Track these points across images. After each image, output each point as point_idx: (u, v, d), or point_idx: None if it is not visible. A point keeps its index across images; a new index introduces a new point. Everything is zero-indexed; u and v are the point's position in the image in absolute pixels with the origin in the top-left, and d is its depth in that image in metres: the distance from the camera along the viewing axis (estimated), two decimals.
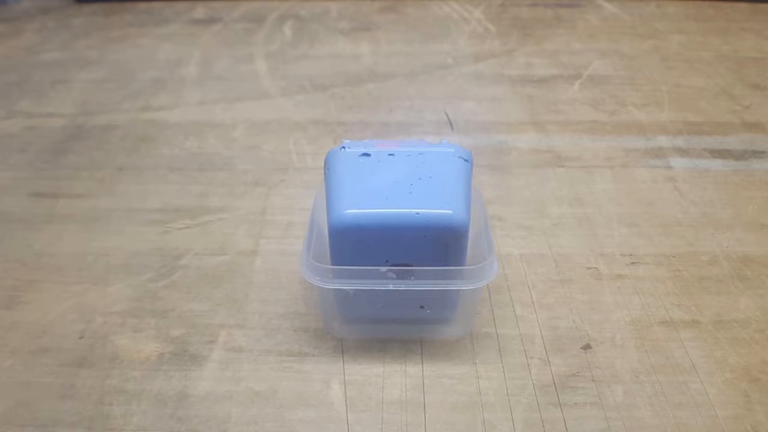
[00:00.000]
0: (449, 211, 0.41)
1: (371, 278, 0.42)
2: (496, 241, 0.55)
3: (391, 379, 0.44)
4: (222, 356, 0.46)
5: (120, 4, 1.13)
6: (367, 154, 0.45)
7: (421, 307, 0.45)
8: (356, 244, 0.41)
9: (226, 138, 0.72)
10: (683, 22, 1.03)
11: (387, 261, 0.42)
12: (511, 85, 0.83)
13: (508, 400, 0.42)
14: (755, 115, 0.76)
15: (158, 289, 0.51)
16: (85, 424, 0.41)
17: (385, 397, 0.42)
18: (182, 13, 1.09)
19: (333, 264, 0.43)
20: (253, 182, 0.64)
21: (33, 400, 0.43)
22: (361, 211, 0.41)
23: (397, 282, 0.42)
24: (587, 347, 0.46)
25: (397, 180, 0.43)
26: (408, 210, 0.41)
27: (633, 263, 0.53)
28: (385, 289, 0.42)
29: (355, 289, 0.42)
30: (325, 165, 0.46)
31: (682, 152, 0.68)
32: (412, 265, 0.42)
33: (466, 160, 0.45)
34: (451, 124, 0.75)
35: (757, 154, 0.68)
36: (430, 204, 0.41)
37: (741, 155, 0.68)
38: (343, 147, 0.46)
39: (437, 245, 0.41)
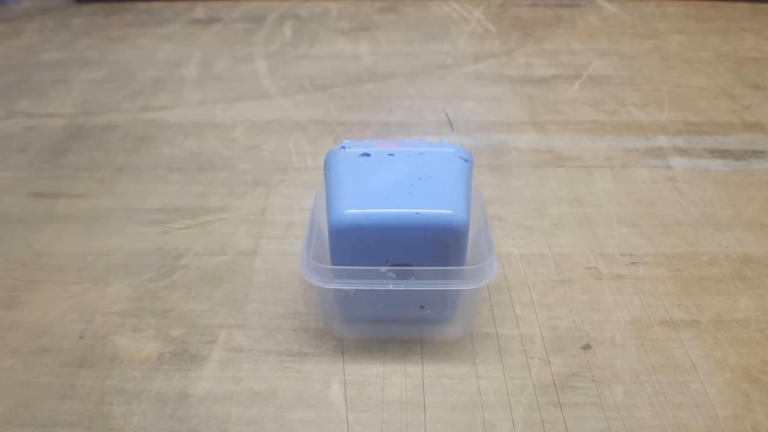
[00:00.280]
0: (449, 211, 0.41)
1: (371, 278, 0.42)
2: (496, 241, 0.55)
3: (391, 379, 0.44)
4: (222, 356, 0.46)
5: (120, 4, 1.13)
6: (367, 154, 0.45)
7: (421, 307, 0.45)
8: (356, 244, 0.41)
9: (226, 138, 0.72)
10: (683, 22, 1.03)
11: (387, 261, 0.42)
12: (511, 85, 0.83)
13: (508, 400, 0.42)
14: (755, 115, 0.76)
15: (158, 289, 0.51)
16: (85, 424, 0.41)
17: (385, 397, 0.42)
18: (182, 13, 1.09)
19: (333, 264, 0.43)
20: (253, 182, 0.64)
21: (33, 400, 0.43)
22: (361, 211, 0.41)
23: (397, 282, 0.42)
24: (587, 347, 0.46)
25: (397, 180, 0.43)
26: (408, 210, 0.41)
27: (633, 263, 0.53)
28: (385, 289, 0.42)
29: (355, 289, 0.42)
30: (325, 165, 0.46)
31: (682, 152, 0.68)
32: (412, 265, 0.42)
33: (466, 160, 0.45)
34: (451, 124, 0.75)
35: (757, 154, 0.68)
36: (430, 204, 0.41)
37: (741, 155, 0.68)
38: (343, 147, 0.46)
39: (437, 245, 0.41)
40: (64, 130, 0.74)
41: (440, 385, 0.43)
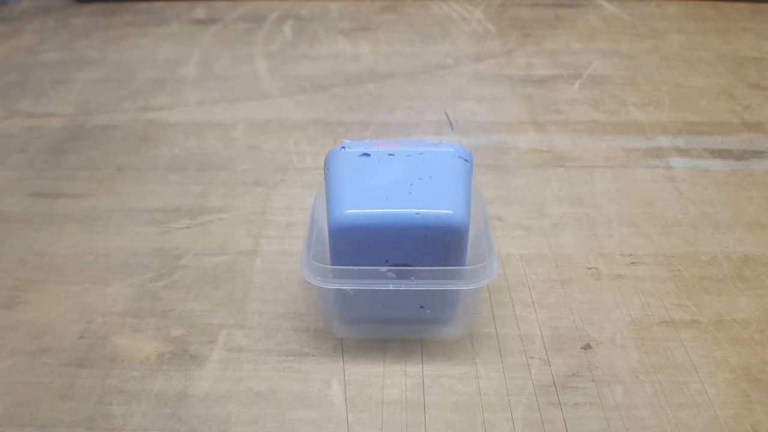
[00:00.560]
0: (449, 211, 0.41)
1: (371, 278, 0.42)
2: (496, 241, 0.55)
3: (391, 379, 0.44)
4: (222, 356, 0.46)
5: (120, 4, 1.13)
6: (367, 154, 0.45)
7: (421, 307, 0.45)
8: (356, 244, 0.41)
9: (226, 138, 0.72)
10: (683, 22, 1.03)
11: (387, 261, 0.42)
12: (511, 85, 0.83)
13: (508, 400, 0.42)
14: (755, 115, 0.76)
15: (158, 289, 0.51)
16: (85, 424, 0.41)
17: (385, 397, 0.42)
18: (182, 13, 1.09)
19: (333, 264, 0.43)
20: (253, 182, 0.64)
21: (33, 400, 0.43)
22: (361, 211, 0.41)
23: (397, 282, 0.42)
24: (587, 347, 0.46)
25: (397, 180, 0.43)
26: (408, 210, 0.41)
27: (633, 263, 0.53)
28: (385, 289, 0.42)
29: (355, 289, 0.42)
30: (325, 165, 0.46)
31: (682, 152, 0.68)
32: (412, 265, 0.42)
33: (466, 160, 0.45)
34: (451, 124, 0.75)
35: (757, 154, 0.68)
36: (430, 204, 0.41)
37: (741, 155, 0.68)
38: (343, 147, 0.46)
39: (437, 245, 0.41)
40: (64, 130, 0.74)
41: (440, 385, 0.43)
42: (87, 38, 0.99)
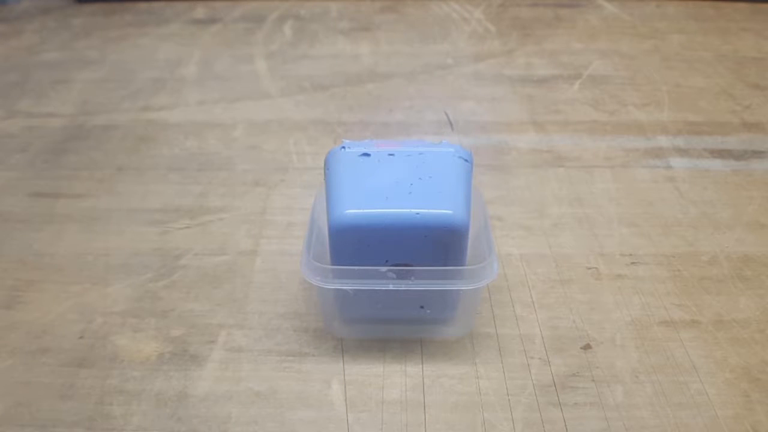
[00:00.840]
0: (449, 211, 0.41)
1: (371, 278, 0.42)
2: (496, 241, 0.55)
3: (391, 379, 0.44)
4: (222, 356, 0.46)
5: (120, 4, 1.13)
6: (367, 154, 0.45)
7: (421, 307, 0.45)
8: (356, 244, 0.41)
9: (226, 138, 0.72)
10: (683, 22, 1.03)
11: (387, 261, 0.42)
12: (511, 85, 0.83)
13: (508, 400, 0.42)
14: (755, 115, 0.76)
15: (158, 289, 0.51)
16: (85, 424, 0.41)
17: (385, 397, 0.42)
18: (182, 13, 1.09)
19: (333, 264, 0.43)
20: (253, 182, 0.64)
21: (33, 400, 0.43)
22: (361, 211, 0.41)
23: (397, 282, 0.42)
24: (587, 347, 0.46)
25: (397, 180, 0.43)
26: (408, 210, 0.41)
27: (633, 263, 0.53)
28: (385, 289, 0.42)
29: (355, 289, 0.42)
30: (325, 165, 0.46)
31: (682, 152, 0.68)
32: (412, 265, 0.42)
33: (466, 160, 0.45)
34: (451, 124, 0.75)
35: (757, 154, 0.68)
36: (430, 204, 0.41)
37: (741, 155, 0.68)
38: (343, 147, 0.46)
39: (437, 245, 0.41)
40: (64, 130, 0.74)
41: (440, 385, 0.43)
42: (87, 38, 0.99)
